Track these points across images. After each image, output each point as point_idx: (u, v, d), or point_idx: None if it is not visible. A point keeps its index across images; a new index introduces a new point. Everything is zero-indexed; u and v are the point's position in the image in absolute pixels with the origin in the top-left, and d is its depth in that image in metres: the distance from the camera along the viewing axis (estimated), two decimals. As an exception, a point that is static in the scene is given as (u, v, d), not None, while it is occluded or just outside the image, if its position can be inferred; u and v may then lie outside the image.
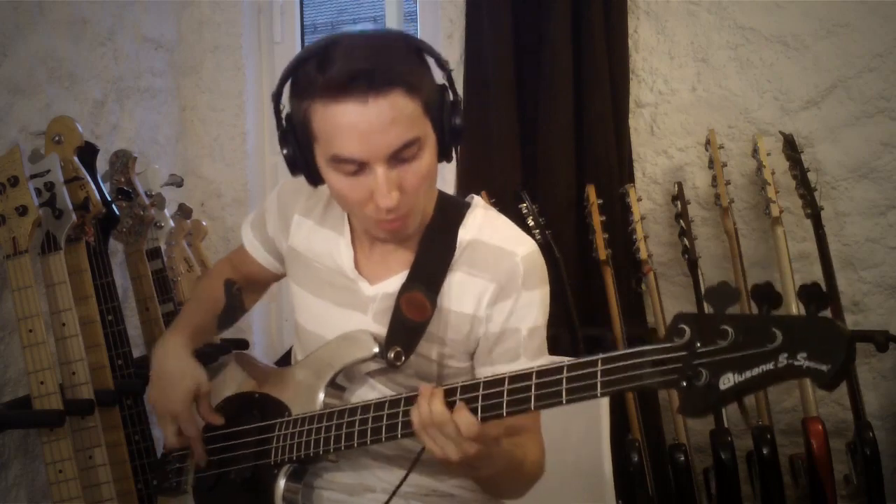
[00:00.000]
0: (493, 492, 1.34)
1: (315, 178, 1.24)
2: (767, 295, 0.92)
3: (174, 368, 1.38)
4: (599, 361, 1.01)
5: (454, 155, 1.25)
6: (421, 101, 1.16)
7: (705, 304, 0.94)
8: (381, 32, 1.24)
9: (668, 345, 0.95)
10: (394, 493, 1.25)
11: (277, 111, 1.23)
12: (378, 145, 1.13)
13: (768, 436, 2.20)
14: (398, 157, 1.15)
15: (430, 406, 1.10)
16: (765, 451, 2.18)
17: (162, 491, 1.49)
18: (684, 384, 0.92)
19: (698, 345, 0.92)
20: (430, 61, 1.22)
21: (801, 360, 0.85)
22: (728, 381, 0.89)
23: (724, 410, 2.23)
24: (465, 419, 1.08)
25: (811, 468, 2.17)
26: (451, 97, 1.22)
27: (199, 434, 1.38)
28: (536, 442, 1.31)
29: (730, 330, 0.90)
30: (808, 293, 0.91)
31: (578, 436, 1.70)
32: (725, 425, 2.23)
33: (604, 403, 1.72)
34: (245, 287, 1.57)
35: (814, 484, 2.16)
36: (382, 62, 1.12)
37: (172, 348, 1.40)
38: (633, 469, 2.17)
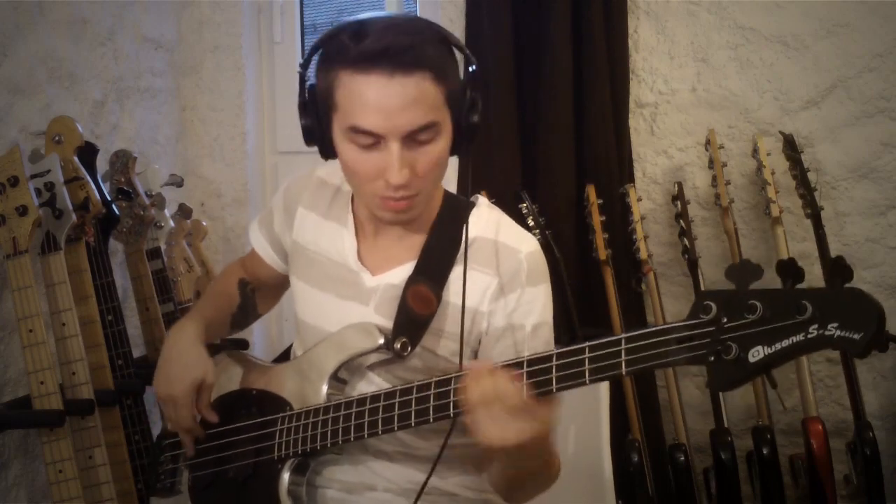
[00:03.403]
0: (514, 491, 1.32)
1: (328, 150, 1.26)
2: (792, 270, 0.94)
3: (184, 355, 1.37)
4: (623, 340, 1.02)
5: (467, 152, 1.27)
6: (445, 90, 1.19)
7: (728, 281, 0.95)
8: (415, 18, 1.27)
9: (695, 321, 0.96)
10: (419, 494, 1.24)
11: (302, 82, 1.26)
12: (397, 122, 1.16)
13: (768, 436, 2.20)
14: (414, 137, 1.18)
15: (492, 379, 1.08)
16: (765, 451, 2.18)
17: (155, 491, 1.48)
18: (712, 359, 0.94)
19: (725, 320, 0.94)
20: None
21: (833, 329, 0.88)
22: (758, 353, 0.91)
23: (724, 410, 2.24)
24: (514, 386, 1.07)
25: (811, 468, 2.17)
26: (472, 94, 1.23)
27: (195, 425, 1.38)
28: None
29: (758, 304, 0.92)
30: (833, 267, 0.94)
31: (578, 436, 1.70)
32: (725, 425, 2.23)
33: (604, 403, 1.72)
34: (258, 289, 1.57)
35: (814, 484, 2.16)
36: (415, 43, 1.15)
37: (186, 335, 1.40)
38: (633, 469, 2.17)
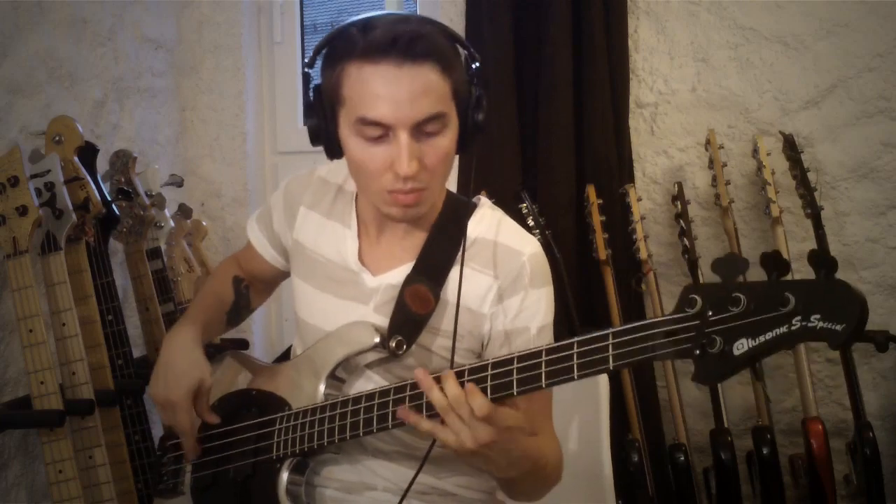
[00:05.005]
0: (513, 491, 1.33)
1: (334, 150, 1.26)
2: (776, 262, 0.94)
3: (182, 360, 1.37)
4: (610, 335, 1.02)
5: (471, 150, 1.27)
6: (451, 83, 1.20)
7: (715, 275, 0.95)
8: (419, 15, 1.27)
9: (680, 315, 0.96)
10: (406, 492, 1.24)
11: (306, 82, 1.26)
12: (406, 112, 1.16)
13: (768, 436, 2.20)
14: (422, 129, 1.18)
15: (443, 388, 1.10)
16: (765, 451, 2.18)
17: (158, 492, 1.48)
18: (698, 352, 0.94)
19: (710, 313, 0.94)
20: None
21: (815, 321, 0.88)
22: (742, 346, 0.92)
23: (724, 410, 2.24)
24: (477, 400, 1.08)
25: (811, 468, 2.17)
26: (477, 92, 1.24)
27: (193, 429, 1.38)
28: (554, 444, 1.31)
29: (742, 297, 0.92)
30: (817, 259, 0.94)
31: (578, 436, 1.70)
32: (725, 425, 2.23)
33: (604, 403, 1.72)
34: (252, 285, 1.57)
35: (814, 484, 2.16)
36: (424, 34, 1.16)
37: (183, 340, 1.39)
38: (633, 469, 2.17)
